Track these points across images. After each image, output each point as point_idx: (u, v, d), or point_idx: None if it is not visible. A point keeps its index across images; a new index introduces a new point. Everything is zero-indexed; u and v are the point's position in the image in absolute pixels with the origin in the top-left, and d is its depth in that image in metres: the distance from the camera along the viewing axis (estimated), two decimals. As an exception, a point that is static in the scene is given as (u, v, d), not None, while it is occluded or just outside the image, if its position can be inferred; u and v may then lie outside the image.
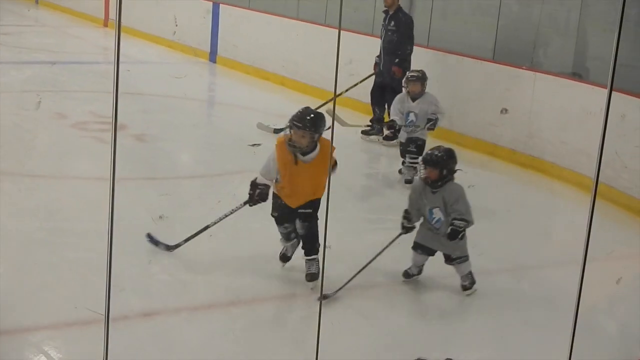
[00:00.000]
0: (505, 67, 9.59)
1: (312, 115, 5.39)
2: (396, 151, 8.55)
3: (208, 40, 14.71)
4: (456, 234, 5.33)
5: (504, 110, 9.31)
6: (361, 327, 5.15)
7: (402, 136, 8.17)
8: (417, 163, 7.65)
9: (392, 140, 8.85)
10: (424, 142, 8.09)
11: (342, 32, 8.64)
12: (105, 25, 18.57)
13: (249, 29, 13.63)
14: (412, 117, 8.05)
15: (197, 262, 5.83)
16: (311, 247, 5.55)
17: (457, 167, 5.55)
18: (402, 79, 8.38)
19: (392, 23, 9.81)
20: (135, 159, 8.11)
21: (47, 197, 7.12)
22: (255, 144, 8.84)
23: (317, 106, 9.02)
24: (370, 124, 9.62)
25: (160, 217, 6.42)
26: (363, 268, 5.50)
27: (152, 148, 8.96)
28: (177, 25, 14.95)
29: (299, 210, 5.45)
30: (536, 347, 5.02)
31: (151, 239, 5.81)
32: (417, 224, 5.58)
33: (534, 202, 8.33)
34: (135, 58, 13.24)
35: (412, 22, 9.95)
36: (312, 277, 5.52)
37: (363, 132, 9.90)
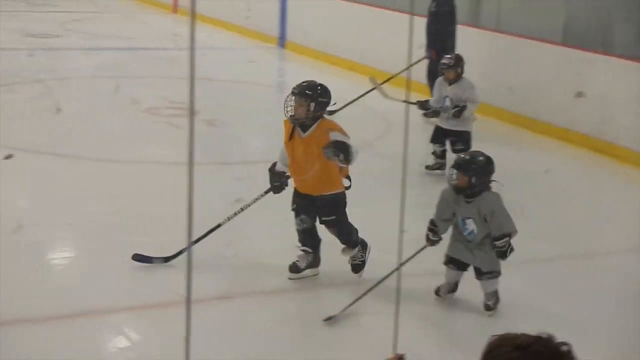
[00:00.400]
0: (576, 51, 9.42)
1: (306, 83, 5.24)
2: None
3: (277, 25, 14.76)
4: (503, 254, 4.97)
5: (580, 94, 9.10)
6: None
7: (443, 123, 7.92)
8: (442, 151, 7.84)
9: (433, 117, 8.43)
10: (462, 132, 7.77)
11: (413, 16, 8.58)
12: (175, 11, 18.78)
13: (318, 13, 13.63)
14: (447, 102, 7.83)
15: (270, 248, 5.89)
16: (346, 243, 5.39)
17: (493, 178, 5.09)
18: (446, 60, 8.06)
19: (434, 4, 10.01)
20: (207, 144, 8.20)
21: (122, 182, 7.24)
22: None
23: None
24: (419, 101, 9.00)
25: (237, 200, 6.49)
26: (373, 287, 5.06)
27: (223, 133, 9.05)
28: (249, 10, 15.05)
29: (323, 218, 5.31)
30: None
31: (141, 258, 5.38)
32: (446, 236, 5.19)
33: (608, 187, 8.18)
34: (205, 44, 13.35)
35: (453, 4, 10.04)
36: (354, 268, 5.44)
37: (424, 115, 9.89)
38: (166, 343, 4.54)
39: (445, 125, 7.87)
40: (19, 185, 7.07)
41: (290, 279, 5.38)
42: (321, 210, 5.29)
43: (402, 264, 4.57)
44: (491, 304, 5.11)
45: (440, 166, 7.93)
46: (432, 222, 5.10)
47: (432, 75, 9.79)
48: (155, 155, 7.97)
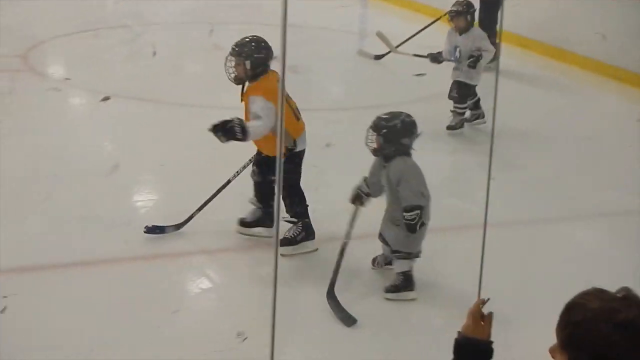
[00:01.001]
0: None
1: (240, 40, 5.08)
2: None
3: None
4: (412, 228, 4.48)
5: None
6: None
7: (456, 75, 7.47)
8: (461, 109, 7.45)
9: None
10: (468, 87, 7.39)
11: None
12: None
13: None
14: (457, 52, 7.36)
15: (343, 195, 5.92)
16: (288, 211, 5.09)
17: (414, 143, 4.64)
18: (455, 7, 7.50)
19: None
20: (288, 90, 8.22)
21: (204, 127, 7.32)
22: (419, 74, 8.66)
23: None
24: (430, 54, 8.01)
25: (327, 145, 6.58)
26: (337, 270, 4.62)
27: (305, 80, 9.05)
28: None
29: (267, 177, 5.11)
30: None
31: (152, 229, 5.15)
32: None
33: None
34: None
35: None
36: (282, 241, 5.00)
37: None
38: (245, 287, 4.67)
39: (458, 78, 7.42)
40: (110, 128, 7.26)
41: (238, 232, 5.24)
42: (267, 170, 5.09)
43: (346, 242, 4.59)
44: (390, 286, 4.63)
45: (478, 116, 7.59)
46: (364, 179, 4.76)
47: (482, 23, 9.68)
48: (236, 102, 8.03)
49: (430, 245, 4.77)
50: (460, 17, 7.35)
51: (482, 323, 2.35)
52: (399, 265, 4.62)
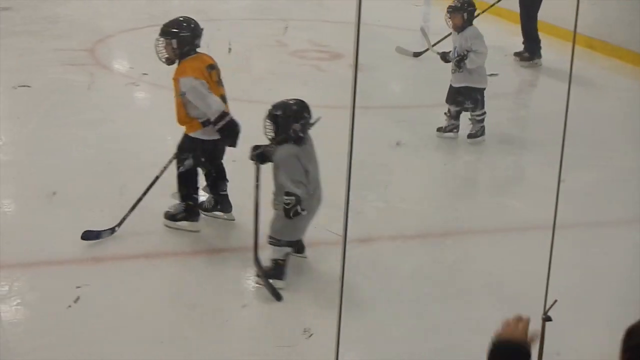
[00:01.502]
0: None
1: (169, 20, 5.09)
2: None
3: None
4: (286, 213, 4.43)
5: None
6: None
7: (452, 79, 7.07)
8: (480, 116, 7.00)
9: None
10: (478, 90, 6.95)
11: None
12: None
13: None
14: (455, 52, 6.99)
15: (410, 194, 5.91)
16: (178, 189, 5.17)
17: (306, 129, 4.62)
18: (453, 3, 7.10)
19: None
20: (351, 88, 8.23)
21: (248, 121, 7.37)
22: (492, 74, 8.59)
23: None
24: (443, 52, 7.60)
25: (398, 143, 6.59)
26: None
27: (368, 77, 9.05)
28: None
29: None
30: None
31: (88, 235, 4.94)
32: None
33: None
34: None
35: None
36: (164, 214, 5.19)
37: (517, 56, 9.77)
38: (313, 282, 4.68)
39: (454, 81, 7.03)
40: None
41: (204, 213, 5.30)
42: (194, 150, 5.08)
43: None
44: (258, 270, 4.57)
45: (452, 128, 7.11)
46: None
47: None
48: (302, 98, 8.05)
49: (494, 247, 4.75)
50: (457, 14, 6.97)
51: (520, 326, 2.30)
52: (273, 252, 4.60)
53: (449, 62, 7.06)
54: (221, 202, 5.28)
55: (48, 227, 5.13)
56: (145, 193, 5.08)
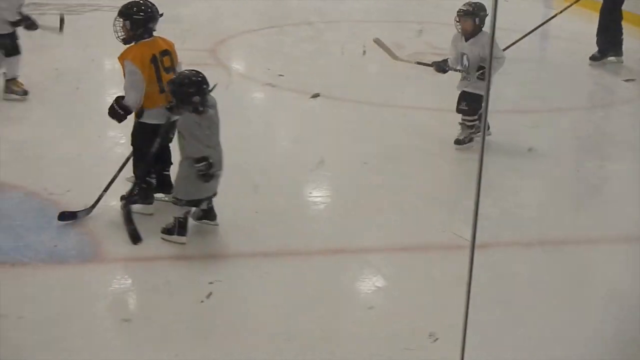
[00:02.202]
0: None
1: (127, 2, 5.18)
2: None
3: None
4: (205, 177, 4.84)
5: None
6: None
7: (463, 86, 6.69)
8: (471, 122, 6.63)
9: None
10: (478, 97, 6.49)
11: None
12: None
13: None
14: (465, 60, 6.60)
15: (528, 200, 5.89)
16: (133, 172, 5.34)
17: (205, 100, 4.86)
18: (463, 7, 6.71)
19: None
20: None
21: (379, 124, 7.47)
22: (629, 79, 8.41)
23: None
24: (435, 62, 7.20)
25: (530, 149, 6.55)
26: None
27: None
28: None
29: None
30: None
31: (65, 216, 5.11)
32: None
33: None
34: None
35: None
36: (120, 198, 5.25)
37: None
38: (438, 286, 4.67)
39: (467, 88, 6.63)
40: (313, 123, 7.48)
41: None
42: (145, 135, 5.18)
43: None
44: (164, 228, 4.96)
45: (472, 138, 6.72)
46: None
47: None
48: (410, 100, 8.09)
49: (615, 256, 4.66)
50: (468, 18, 6.57)
51: None
52: (174, 210, 4.94)
53: (446, 72, 6.79)
54: (161, 182, 5.37)
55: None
56: (118, 173, 5.30)
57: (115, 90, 6.83)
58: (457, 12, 6.64)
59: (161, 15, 5.26)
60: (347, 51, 9.64)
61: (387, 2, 13.34)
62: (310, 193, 5.94)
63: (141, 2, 5.20)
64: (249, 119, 7.45)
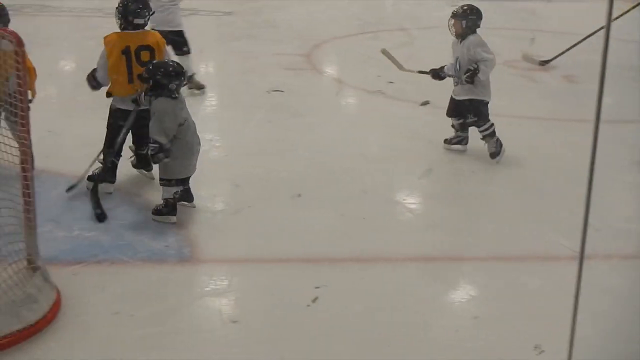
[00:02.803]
0: None
1: None
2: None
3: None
4: (152, 158, 5.20)
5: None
6: None
7: (454, 91, 6.68)
8: (487, 135, 6.54)
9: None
10: (481, 103, 6.54)
11: None
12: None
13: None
14: (457, 64, 6.56)
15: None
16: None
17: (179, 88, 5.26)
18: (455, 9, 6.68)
19: None
20: (564, 100, 8.12)
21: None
22: None
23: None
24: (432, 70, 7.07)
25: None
26: None
27: (581, 90, 8.84)
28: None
29: None
30: None
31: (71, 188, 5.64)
32: None
33: None
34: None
35: None
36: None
37: None
38: (543, 297, 4.60)
39: (455, 94, 6.63)
40: (420, 130, 7.44)
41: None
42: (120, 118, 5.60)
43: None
44: (154, 209, 5.30)
45: (460, 140, 6.73)
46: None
47: None
48: (508, 109, 8.01)
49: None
50: (457, 21, 6.54)
51: None
52: (163, 192, 5.28)
53: (443, 78, 6.71)
54: (140, 160, 5.86)
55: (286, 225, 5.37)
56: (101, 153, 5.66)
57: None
58: (451, 14, 6.64)
59: (152, 13, 5.85)
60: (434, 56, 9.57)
61: (482, 9, 13.19)
62: (404, 200, 5.96)
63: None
64: (352, 124, 7.54)
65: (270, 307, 4.39)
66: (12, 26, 4.17)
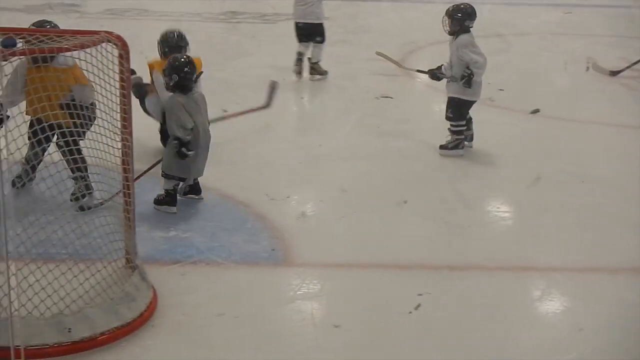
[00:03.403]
0: None
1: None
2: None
3: None
4: (180, 154, 5.30)
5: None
6: None
7: (447, 90, 6.83)
8: (456, 128, 6.66)
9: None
10: (455, 101, 6.64)
11: None
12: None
13: None
14: (449, 61, 6.73)
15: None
16: None
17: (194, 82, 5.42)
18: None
19: None
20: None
21: (568, 140, 7.33)
22: None
23: None
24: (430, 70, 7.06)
25: None
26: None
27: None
28: None
29: None
30: None
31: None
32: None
33: None
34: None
35: None
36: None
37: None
38: (614, 308, 4.53)
39: (450, 93, 6.75)
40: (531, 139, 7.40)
41: None
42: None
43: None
44: (155, 199, 5.50)
45: (464, 138, 6.77)
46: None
47: None
48: (601, 116, 7.89)
49: None
50: (447, 18, 6.66)
51: None
52: (164, 183, 5.50)
53: (440, 79, 6.76)
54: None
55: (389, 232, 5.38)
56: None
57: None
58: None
59: (185, 44, 6.36)
60: (555, 65, 9.47)
61: (577, 15, 13.01)
62: (491, 208, 5.94)
63: (169, 31, 6.44)
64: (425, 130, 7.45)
65: (369, 313, 4.39)
66: (114, 29, 4.27)
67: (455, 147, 6.72)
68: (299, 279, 4.73)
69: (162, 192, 5.53)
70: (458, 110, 6.68)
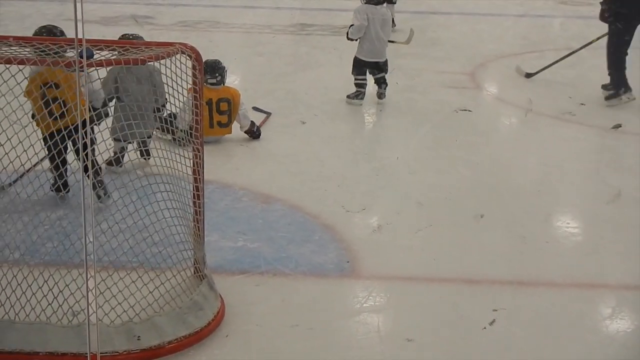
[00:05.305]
0: None
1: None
2: None
3: None
4: None
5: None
6: None
7: None
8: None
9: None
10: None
11: None
12: None
13: None
14: None
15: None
16: None
17: None
18: None
19: None
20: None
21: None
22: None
23: None
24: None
25: None
26: None
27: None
28: None
29: None
30: None
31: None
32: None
33: None
34: None
35: None
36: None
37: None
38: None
39: None
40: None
41: None
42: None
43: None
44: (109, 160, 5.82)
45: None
46: None
47: None
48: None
49: None
50: None
51: None
52: (114, 145, 5.76)
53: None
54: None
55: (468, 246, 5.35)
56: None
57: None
58: None
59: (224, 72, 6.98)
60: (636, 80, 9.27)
61: None
62: (568, 224, 5.83)
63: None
64: (527, 145, 7.45)
65: (441, 327, 4.35)
66: (188, 41, 4.33)
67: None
68: (366, 290, 4.71)
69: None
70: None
